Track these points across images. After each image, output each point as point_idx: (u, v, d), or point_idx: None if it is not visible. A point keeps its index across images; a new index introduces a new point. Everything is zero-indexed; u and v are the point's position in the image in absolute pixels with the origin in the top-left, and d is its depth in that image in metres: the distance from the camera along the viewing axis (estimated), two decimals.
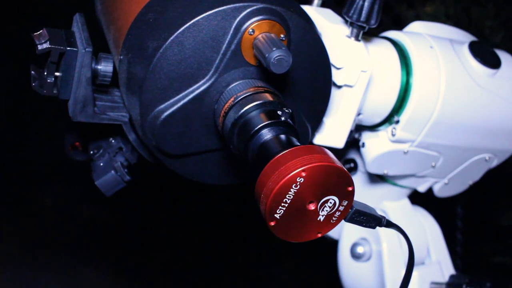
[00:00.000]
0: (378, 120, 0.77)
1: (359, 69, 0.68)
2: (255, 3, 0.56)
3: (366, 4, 0.65)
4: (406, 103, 0.75)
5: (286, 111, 0.54)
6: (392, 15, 1.98)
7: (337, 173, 0.47)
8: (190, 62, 0.57)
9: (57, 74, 0.58)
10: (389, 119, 0.77)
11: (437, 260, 0.91)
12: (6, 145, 2.57)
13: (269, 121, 0.53)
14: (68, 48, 0.57)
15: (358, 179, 0.91)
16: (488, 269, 1.84)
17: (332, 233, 0.94)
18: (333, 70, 0.66)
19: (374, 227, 0.54)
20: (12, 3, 2.64)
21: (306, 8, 0.72)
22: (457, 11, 1.93)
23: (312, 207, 0.48)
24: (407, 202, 0.92)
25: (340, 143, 0.72)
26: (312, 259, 2.19)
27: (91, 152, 0.73)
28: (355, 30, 0.68)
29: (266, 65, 0.53)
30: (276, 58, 0.52)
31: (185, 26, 0.56)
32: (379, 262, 0.87)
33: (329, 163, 0.47)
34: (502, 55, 0.84)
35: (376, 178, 0.89)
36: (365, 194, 0.90)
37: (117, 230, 2.37)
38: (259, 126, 0.53)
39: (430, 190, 0.90)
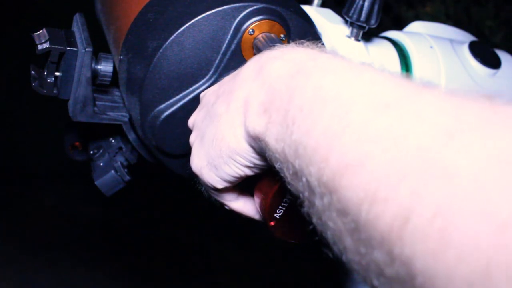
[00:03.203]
0: None
1: None
2: (255, 3, 0.56)
3: (366, 4, 0.65)
4: None
5: None
6: (392, 15, 1.99)
7: None
8: (190, 62, 0.57)
9: (57, 74, 0.58)
10: None
11: None
12: (6, 145, 2.57)
13: None
14: (68, 48, 0.57)
15: None
16: None
17: None
18: None
19: None
20: (12, 3, 2.64)
21: (306, 8, 0.72)
22: (457, 11, 1.93)
23: None
24: None
25: None
26: (313, 259, 2.19)
27: (91, 152, 0.73)
28: (355, 30, 0.68)
29: None
30: None
31: (185, 26, 0.56)
32: None
33: None
34: (502, 55, 0.84)
35: None
36: None
37: (117, 230, 2.37)
38: None
39: None
